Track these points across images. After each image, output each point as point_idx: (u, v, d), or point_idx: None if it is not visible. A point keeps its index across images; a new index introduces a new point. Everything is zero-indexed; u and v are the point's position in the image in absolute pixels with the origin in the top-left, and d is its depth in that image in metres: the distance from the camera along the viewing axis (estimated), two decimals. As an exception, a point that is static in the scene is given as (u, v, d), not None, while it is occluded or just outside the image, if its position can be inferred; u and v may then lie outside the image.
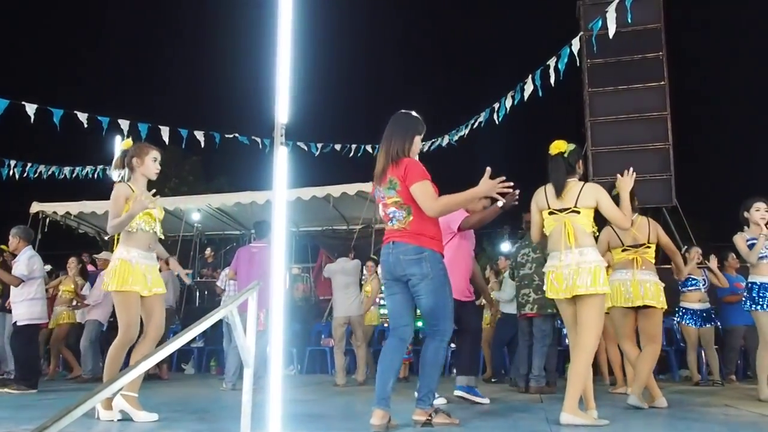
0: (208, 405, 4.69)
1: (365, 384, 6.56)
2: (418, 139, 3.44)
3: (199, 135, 9.28)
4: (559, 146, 3.67)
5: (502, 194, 3.34)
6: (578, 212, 3.54)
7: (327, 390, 6.09)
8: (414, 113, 3.51)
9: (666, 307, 4.39)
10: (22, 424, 3.47)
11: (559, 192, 3.60)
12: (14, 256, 6.24)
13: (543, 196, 3.68)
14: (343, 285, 6.91)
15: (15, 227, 6.15)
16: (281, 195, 2.54)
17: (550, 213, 3.64)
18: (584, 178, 3.78)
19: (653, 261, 4.48)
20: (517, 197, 3.96)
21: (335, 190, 9.51)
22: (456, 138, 9.67)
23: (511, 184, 3.31)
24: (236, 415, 2.77)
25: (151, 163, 3.91)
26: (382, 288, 3.61)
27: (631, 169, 3.82)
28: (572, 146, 3.71)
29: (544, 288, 3.71)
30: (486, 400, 4.63)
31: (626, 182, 3.75)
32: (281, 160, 2.53)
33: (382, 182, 3.35)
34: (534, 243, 4.22)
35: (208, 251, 11.24)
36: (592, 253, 3.50)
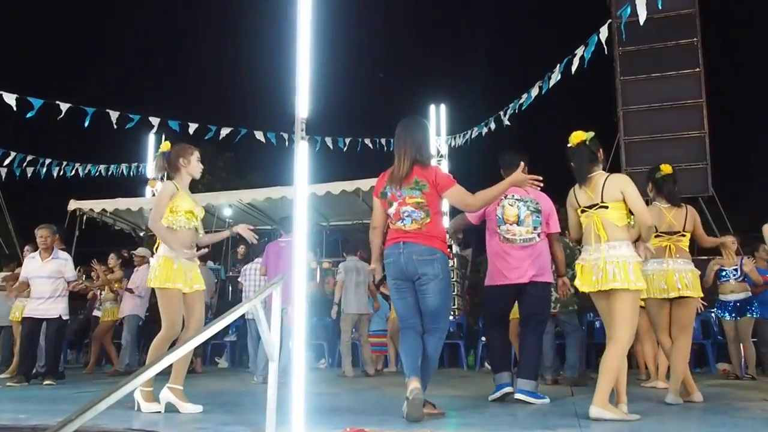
0: (238, 398, 4.75)
1: (388, 376, 6.64)
2: (429, 142, 3.75)
3: (227, 131, 9.38)
4: (579, 136, 3.64)
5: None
6: (606, 207, 3.49)
7: (356, 383, 6.12)
8: (421, 117, 3.78)
9: (702, 294, 4.28)
10: (57, 416, 3.58)
11: (583, 181, 3.57)
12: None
13: (573, 197, 3.68)
14: (355, 283, 7.15)
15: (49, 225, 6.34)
16: (302, 190, 2.55)
17: (582, 211, 3.61)
18: (611, 169, 3.73)
19: (687, 249, 4.35)
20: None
21: (364, 184, 9.50)
22: (481, 131, 9.60)
23: (541, 180, 3.53)
24: (264, 408, 2.80)
25: (196, 163, 4.11)
26: (390, 288, 3.64)
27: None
28: (591, 134, 3.67)
29: (576, 282, 3.65)
30: (547, 399, 4.21)
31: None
32: (302, 154, 2.54)
33: (407, 182, 3.49)
34: (572, 240, 4.14)
35: (241, 249, 11.35)
36: (625, 248, 3.44)
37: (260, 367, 6.23)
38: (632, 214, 3.53)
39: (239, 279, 8.04)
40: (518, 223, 4.28)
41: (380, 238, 3.71)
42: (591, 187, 3.55)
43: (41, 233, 6.16)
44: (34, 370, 6.28)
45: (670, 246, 4.26)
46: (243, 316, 6.56)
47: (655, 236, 4.27)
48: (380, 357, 8.19)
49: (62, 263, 6.23)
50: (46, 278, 6.13)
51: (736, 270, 6.66)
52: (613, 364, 3.37)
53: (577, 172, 3.60)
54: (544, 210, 4.36)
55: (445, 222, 4.67)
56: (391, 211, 3.53)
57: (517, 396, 4.12)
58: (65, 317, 6.26)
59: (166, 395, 3.75)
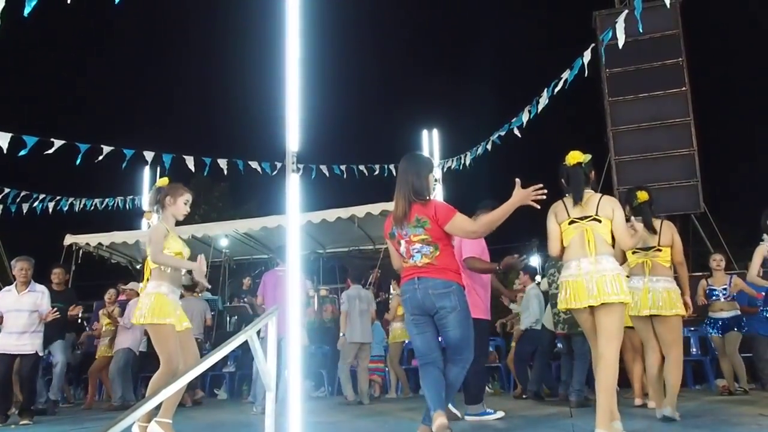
0: (237, 429, 4.75)
1: (388, 402, 6.61)
2: (431, 177, 3.66)
3: (222, 163, 9.45)
4: (576, 156, 3.71)
5: (537, 201, 3.45)
6: (599, 221, 3.56)
7: (355, 411, 6.10)
8: (422, 153, 3.83)
9: (684, 312, 4.26)
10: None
11: (578, 201, 3.63)
12: None
13: (563, 207, 3.70)
14: (359, 312, 7.11)
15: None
16: (294, 220, 2.60)
17: (571, 222, 3.63)
18: (603, 189, 3.81)
19: (668, 265, 4.34)
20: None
21: (359, 211, 9.56)
22: (473, 157, 9.70)
23: (543, 188, 3.41)
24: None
25: (182, 205, 4.11)
26: (407, 323, 3.63)
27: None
28: (588, 156, 3.74)
29: (560, 299, 3.67)
30: (501, 413, 4.69)
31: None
32: (293, 187, 2.60)
33: (407, 221, 3.49)
34: (552, 256, 4.08)
35: (247, 280, 11.34)
36: (612, 262, 3.50)
37: (260, 398, 6.21)
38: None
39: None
40: None
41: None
42: (584, 204, 3.62)
43: (21, 265, 6.03)
44: (33, 406, 6.20)
45: (646, 261, 4.28)
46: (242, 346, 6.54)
47: (633, 253, 4.32)
48: (377, 382, 8.16)
49: (39, 296, 6.10)
50: (23, 312, 5.97)
51: (725, 289, 6.73)
52: (609, 384, 3.37)
53: (573, 189, 3.66)
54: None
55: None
56: (402, 250, 3.56)
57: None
58: (41, 353, 6.16)
59: (155, 429, 3.72)
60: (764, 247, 4.89)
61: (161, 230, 3.97)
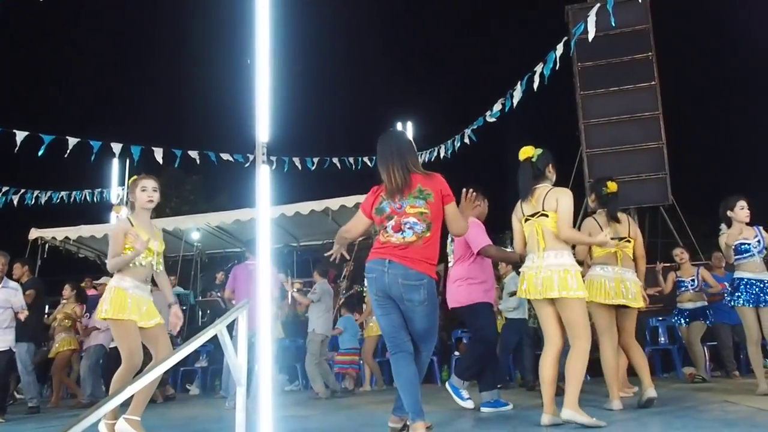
0: (209, 425, 4.70)
1: (363, 396, 6.61)
2: (415, 150, 3.56)
3: (194, 154, 9.33)
4: (526, 152, 3.78)
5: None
6: (546, 215, 3.62)
7: (329, 405, 6.08)
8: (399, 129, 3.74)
9: (643, 304, 4.34)
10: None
11: (524, 196, 3.72)
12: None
13: (519, 208, 3.81)
14: (326, 307, 7.28)
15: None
16: (265, 213, 2.56)
17: (525, 220, 3.74)
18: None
19: (632, 258, 4.39)
20: None
21: (333, 203, 9.53)
22: (450, 150, 9.72)
23: (471, 190, 3.75)
24: (233, 434, 2.77)
25: (140, 194, 3.94)
26: (373, 303, 3.42)
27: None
28: (539, 151, 3.79)
29: (519, 289, 3.78)
30: (510, 405, 4.57)
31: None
32: (264, 178, 2.56)
33: (407, 192, 3.27)
34: (518, 252, 4.02)
35: (220, 275, 11.21)
36: (566, 256, 3.57)
37: (232, 393, 6.16)
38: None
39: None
40: None
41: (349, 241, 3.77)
42: (534, 199, 3.70)
43: None
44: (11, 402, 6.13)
45: (618, 252, 4.28)
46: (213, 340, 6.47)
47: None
48: (351, 375, 8.17)
49: (12, 292, 6.04)
50: None
51: (693, 280, 6.89)
52: (578, 369, 3.48)
53: (520, 185, 3.76)
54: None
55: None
56: (391, 224, 3.28)
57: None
58: (14, 349, 6.10)
59: (123, 427, 3.63)
60: (724, 237, 5.00)
61: (120, 229, 3.83)
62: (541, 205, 3.64)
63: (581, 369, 3.50)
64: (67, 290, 8.02)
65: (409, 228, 3.23)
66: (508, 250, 5.01)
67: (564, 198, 3.61)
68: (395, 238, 3.25)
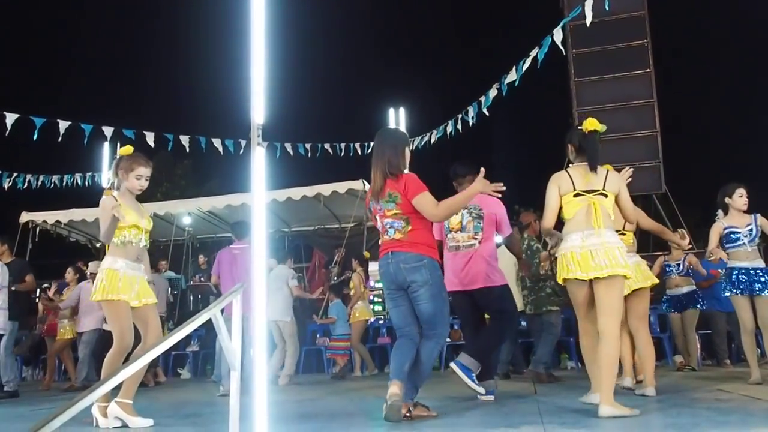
0: (201, 409, 4.67)
1: (354, 381, 6.62)
2: (407, 151, 3.66)
3: (185, 140, 9.25)
4: (594, 123, 3.58)
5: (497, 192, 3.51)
6: (606, 195, 3.50)
7: (321, 389, 6.08)
8: (398, 128, 3.71)
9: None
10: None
11: (595, 167, 3.50)
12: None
13: (567, 179, 3.55)
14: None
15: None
16: (260, 196, 2.51)
17: (576, 195, 3.51)
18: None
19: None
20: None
21: (325, 189, 9.49)
22: (440, 135, 9.67)
23: (503, 187, 3.46)
24: (227, 419, 2.75)
25: (134, 180, 3.89)
26: (386, 298, 3.66)
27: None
28: (604, 127, 3.63)
29: (560, 270, 3.54)
30: (481, 390, 4.20)
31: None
32: (259, 161, 2.51)
33: (381, 196, 3.52)
34: (545, 228, 3.71)
35: (201, 258, 11.16)
36: (615, 236, 3.48)
37: (224, 377, 6.13)
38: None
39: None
40: (461, 229, 4.47)
41: None
42: (594, 175, 3.51)
43: None
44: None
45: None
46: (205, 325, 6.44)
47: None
48: (339, 363, 8.12)
49: None
50: None
51: (679, 264, 6.87)
52: (612, 359, 3.30)
53: (590, 157, 3.52)
54: (493, 215, 4.47)
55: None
56: (379, 225, 3.61)
57: (453, 365, 4.17)
58: (3, 332, 6.04)
59: (114, 410, 3.65)
60: (719, 224, 4.99)
61: (106, 205, 3.71)
62: (602, 184, 3.50)
63: (616, 358, 3.36)
64: (70, 274, 7.95)
65: (390, 227, 3.51)
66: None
67: (625, 187, 3.62)
68: (386, 236, 3.55)
